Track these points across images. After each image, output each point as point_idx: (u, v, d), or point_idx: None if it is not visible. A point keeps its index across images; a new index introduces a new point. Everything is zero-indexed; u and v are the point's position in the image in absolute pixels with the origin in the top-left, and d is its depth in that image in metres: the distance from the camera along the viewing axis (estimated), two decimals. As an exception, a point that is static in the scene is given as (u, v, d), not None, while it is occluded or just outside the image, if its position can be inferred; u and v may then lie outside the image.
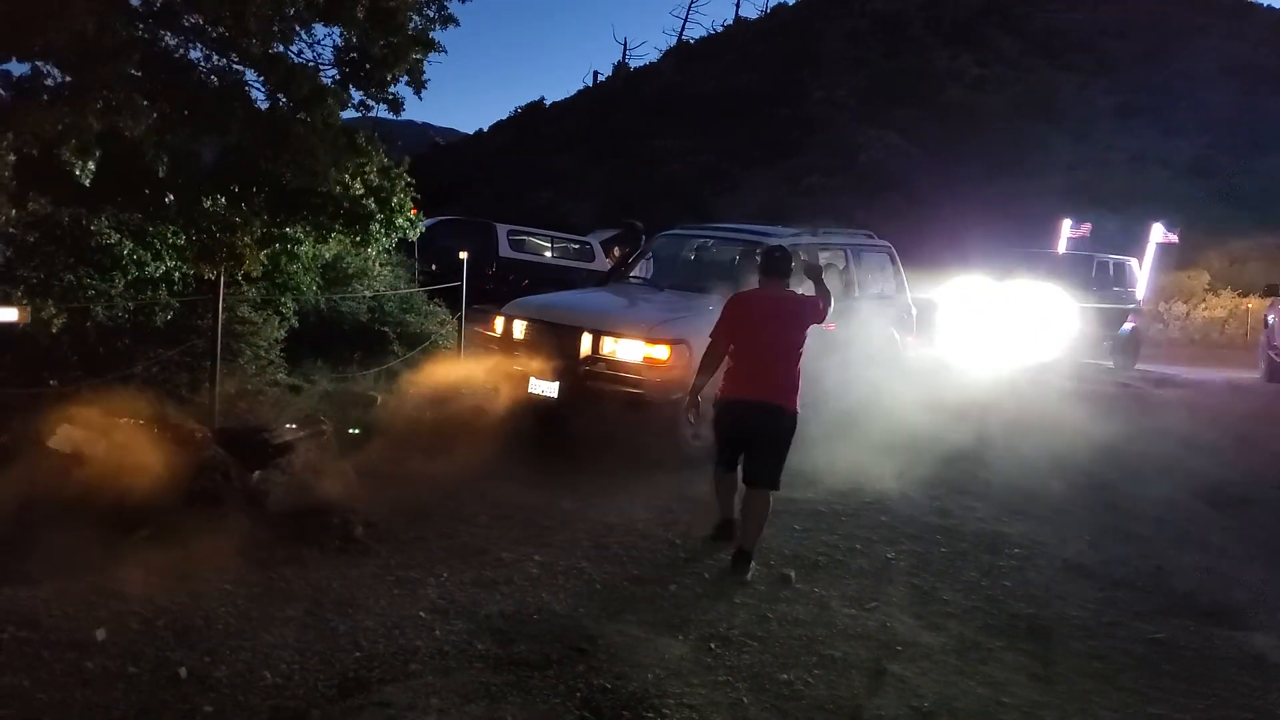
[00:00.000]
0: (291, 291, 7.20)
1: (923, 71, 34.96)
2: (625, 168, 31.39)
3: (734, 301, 5.17)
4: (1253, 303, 19.63)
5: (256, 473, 4.96)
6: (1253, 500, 7.07)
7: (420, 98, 6.96)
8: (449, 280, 8.83)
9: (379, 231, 6.44)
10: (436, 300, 9.27)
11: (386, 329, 8.32)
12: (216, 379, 5.84)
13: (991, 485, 6.86)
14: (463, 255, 8.40)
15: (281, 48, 5.78)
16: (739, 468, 5.04)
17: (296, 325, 7.37)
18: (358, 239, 6.42)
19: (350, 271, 8.15)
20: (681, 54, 46.19)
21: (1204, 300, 22.36)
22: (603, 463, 6.41)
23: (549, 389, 6.85)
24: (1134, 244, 16.89)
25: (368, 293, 8.31)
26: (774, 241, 7.94)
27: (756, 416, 4.89)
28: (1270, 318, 14.21)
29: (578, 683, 3.58)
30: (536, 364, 6.96)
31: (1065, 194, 24.41)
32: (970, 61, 37.01)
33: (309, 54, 6.17)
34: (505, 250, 13.74)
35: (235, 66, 6.00)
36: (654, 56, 51.35)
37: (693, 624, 4.18)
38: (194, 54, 5.99)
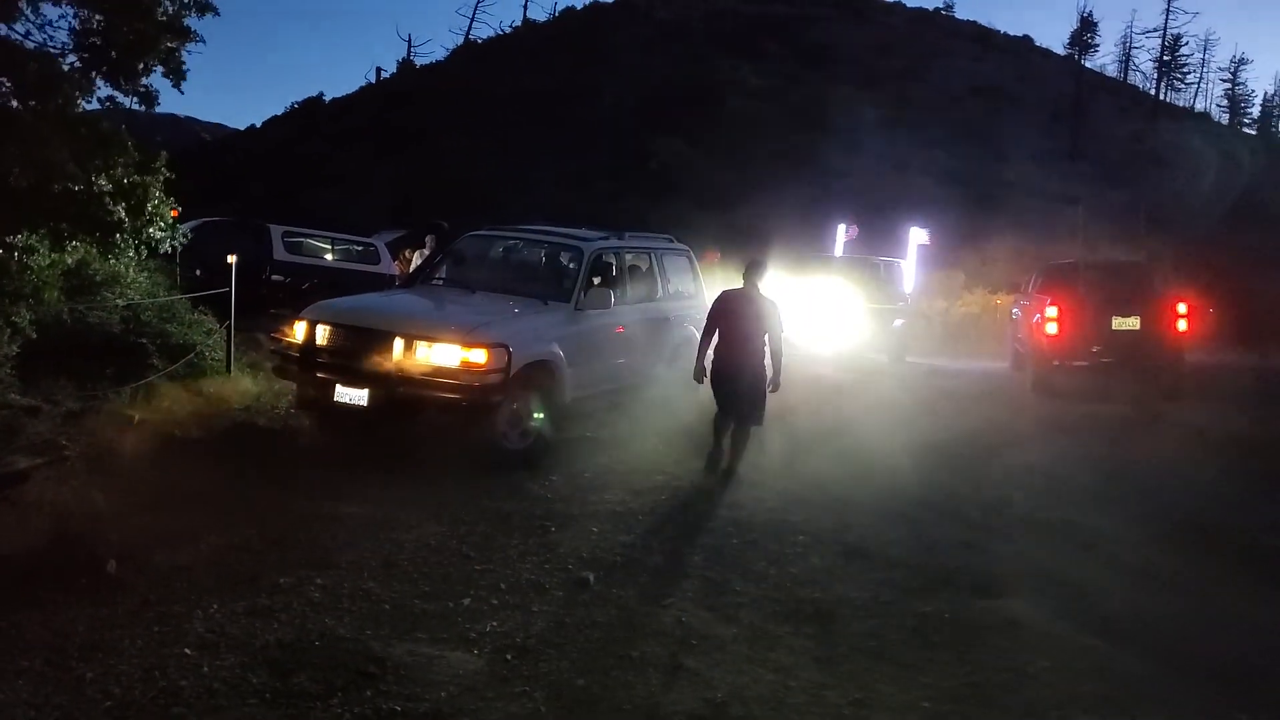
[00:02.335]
0: (26, 300, 6.37)
1: (706, 80, 36.24)
2: (413, 167, 30.54)
3: (719, 302, 6.99)
4: (1001, 299, 21.66)
5: (-19, 507, 4.37)
6: (1011, 481, 7.73)
7: (181, 90, 6.39)
8: (217, 286, 8.17)
9: (125, 242, 5.79)
10: (202, 308, 8.56)
11: (144, 341, 7.56)
12: (-71, 403, 5.10)
13: (779, 476, 7.14)
14: (231, 259, 7.79)
15: (5, 29, 5.10)
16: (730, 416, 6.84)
17: (35, 337, 6.55)
18: (100, 248, 5.75)
19: (99, 279, 7.35)
20: (469, 53, 45.61)
21: (961, 298, 24.48)
22: (397, 476, 6.15)
23: (357, 397, 6.50)
24: (902, 246, 18.28)
25: (120, 301, 7.52)
26: (598, 244, 7.98)
27: (736, 377, 6.72)
28: (1015, 312, 15.72)
29: (365, 708, 3.39)
30: (342, 371, 6.58)
31: (840, 200, 26.04)
32: (749, 72, 38.74)
33: (39, 36, 5.49)
34: (280, 253, 12.94)
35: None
36: (440, 55, 50.28)
37: (488, 637, 4.06)
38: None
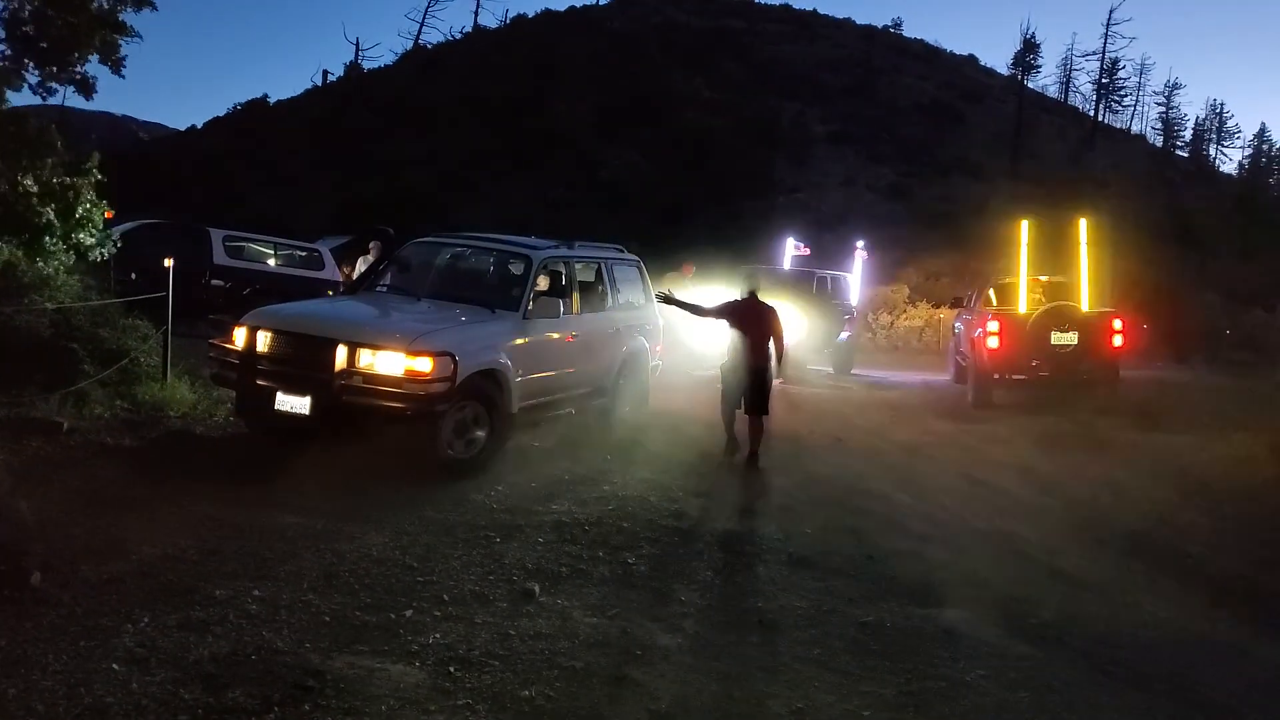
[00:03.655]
0: (-54, 303, 6.12)
1: (659, 92, 36.44)
2: (359, 172, 30.17)
3: (732, 305, 8.23)
4: (944, 313, 22.11)
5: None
6: (950, 492, 7.88)
7: (122, 75, 6.20)
8: (154, 291, 7.96)
9: (54, 245, 5.59)
10: (138, 313, 8.32)
11: (75, 346, 7.31)
12: None
13: (727, 486, 7.19)
14: (168, 262, 7.59)
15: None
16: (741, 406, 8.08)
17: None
18: (28, 250, 5.54)
19: (27, 280, 7.09)
20: (419, 58, 45.30)
21: (905, 311, 24.91)
22: (339, 485, 6.04)
23: (299, 405, 6.37)
24: (847, 259, 18.56)
25: (50, 305, 7.26)
26: (547, 253, 7.95)
27: (747, 374, 7.90)
28: (957, 326, 16.05)
29: (302, 724, 3.30)
30: (284, 378, 6.45)
31: (789, 213, 26.38)
32: (702, 85, 39.06)
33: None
34: (221, 258, 12.70)
35: None
36: (389, 59, 49.78)
37: (430, 649, 4.00)
38: None
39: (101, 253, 6.35)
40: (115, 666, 3.58)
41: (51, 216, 5.60)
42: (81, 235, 5.82)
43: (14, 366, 6.93)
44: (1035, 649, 4.59)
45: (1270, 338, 22.47)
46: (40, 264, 6.02)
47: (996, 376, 12.64)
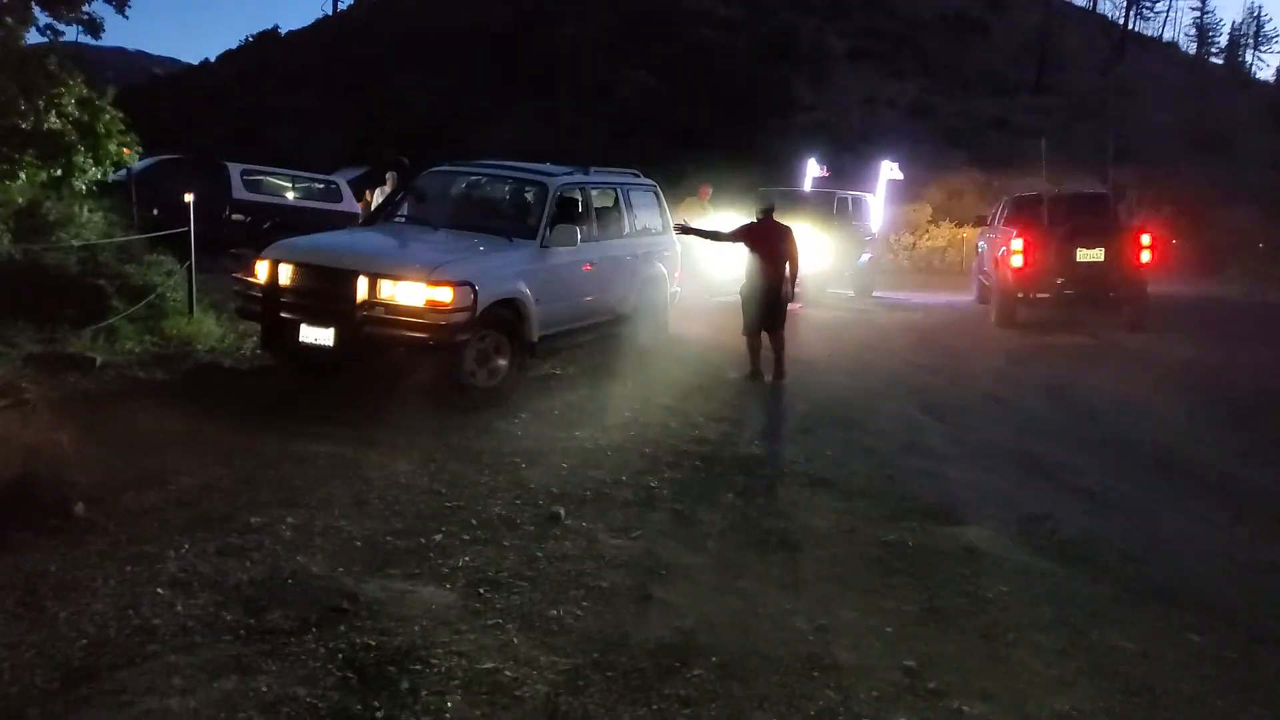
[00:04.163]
0: (-23, 240, 6.22)
1: (671, 11, 35.48)
2: (370, 106, 29.78)
3: (749, 227, 8.35)
4: (967, 232, 21.76)
5: (-59, 452, 4.31)
6: (972, 411, 7.89)
7: (125, 16, 6.15)
8: (174, 226, 8.01)
9: (84, 162, 5.63)
10: (161, 249, 8.40)
11: (103, 282, 7.42)
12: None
13: (747, 410, 7.23)
14: (189, 198, 7.62)
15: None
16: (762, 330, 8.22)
17: (-14, 279, 6.42)
18: (58, 172, 5.57)
19: (52, 219, 7.16)
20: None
21: (927, 231, 24.55)
22: (365, 415, 6.15)
23: (323, 336, 6.44)
24: (868, 179, 18.23)
25: (76, 242, 7.35)
26: (564, 179, 7.92)
27: (766, 293, 8.04)
28: (981, 245, 15.81)
29: (339, 643, 3.42)
30: (307, 311, 6.52)
31: (808, 133, 25.89)
32: (716, 2, 37.99)
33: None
34: (240, 192, 12.74)
35: None
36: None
37: (460, 571, 4.10)
38: None
39: (137, 152, 6.37)
40: (160, 590, 3.72)
41: (75, 138, 5.61)
42: (110, 145, 5.84)
43: (45, 303, 7.05)
44: (1058, 566, 4.61)
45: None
46: (76, 182, 6.02)
47: (1020, 295, 12.40)
